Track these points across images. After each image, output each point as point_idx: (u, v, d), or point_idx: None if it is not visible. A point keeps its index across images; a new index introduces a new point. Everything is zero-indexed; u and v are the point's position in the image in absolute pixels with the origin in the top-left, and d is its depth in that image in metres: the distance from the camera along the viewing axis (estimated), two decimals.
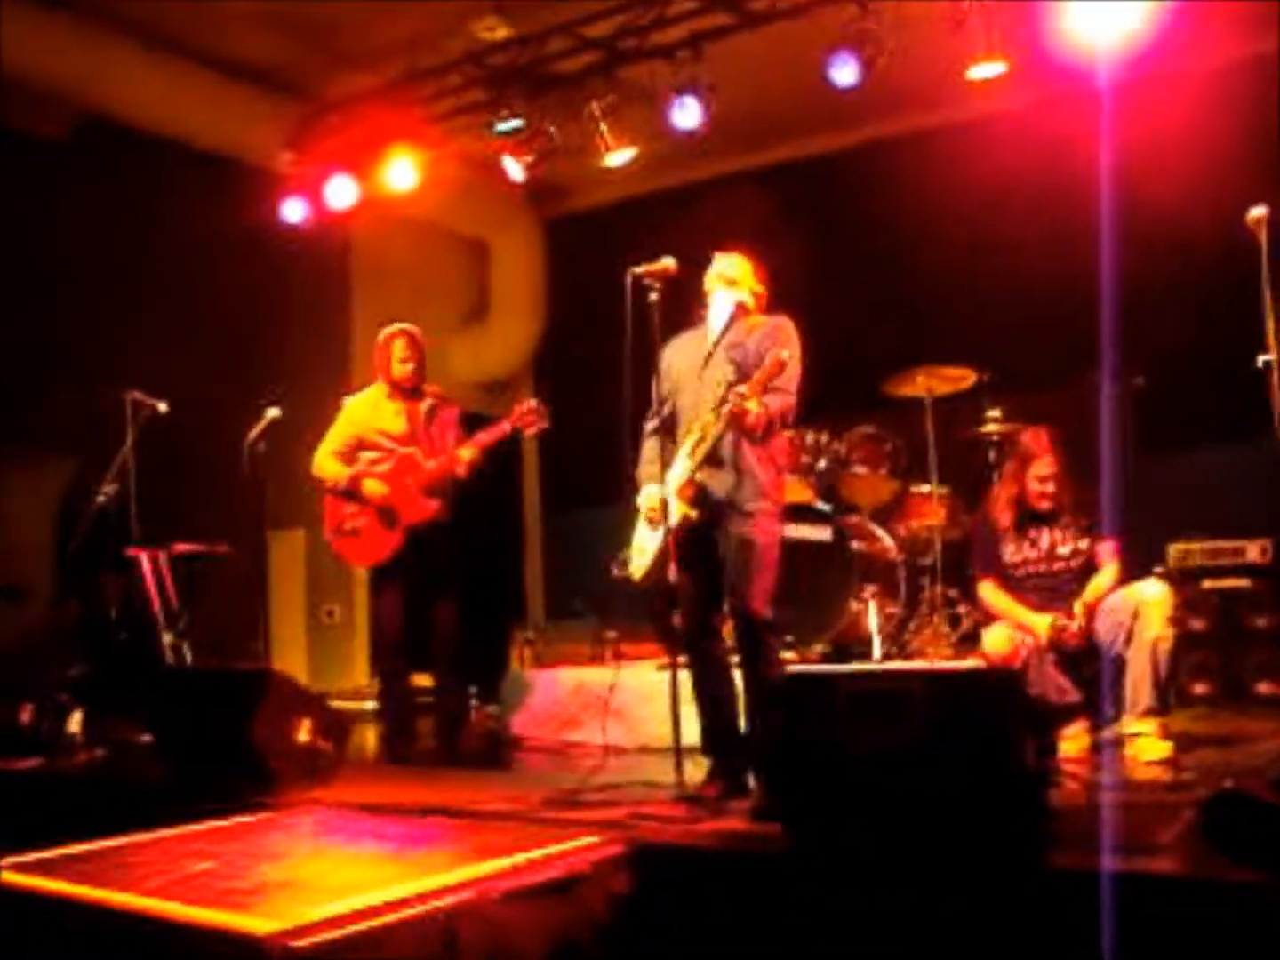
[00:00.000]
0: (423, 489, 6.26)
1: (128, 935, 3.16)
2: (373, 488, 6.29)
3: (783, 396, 4.77)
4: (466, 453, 6.24)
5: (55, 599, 8.78)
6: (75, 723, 6.91)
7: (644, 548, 4.98)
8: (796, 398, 4.86)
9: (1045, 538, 5.61)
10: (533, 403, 6.22)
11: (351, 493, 6.34)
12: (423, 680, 6.83)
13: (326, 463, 6.46)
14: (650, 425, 5.04)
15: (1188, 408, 7.98)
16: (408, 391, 6.46)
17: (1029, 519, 5.63)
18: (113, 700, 7.05)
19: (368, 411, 6.50)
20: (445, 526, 6.35)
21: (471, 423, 6.56)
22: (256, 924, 2.93)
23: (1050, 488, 5.59)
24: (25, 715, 6.83)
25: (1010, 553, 5.65)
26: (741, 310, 5.02)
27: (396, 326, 6.47)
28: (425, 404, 6.47)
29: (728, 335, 4.98)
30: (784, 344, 4.78)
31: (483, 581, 6.75)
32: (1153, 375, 8.05)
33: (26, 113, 8.38)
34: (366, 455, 6.42)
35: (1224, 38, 7.57)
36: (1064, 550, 5.57)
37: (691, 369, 4.98)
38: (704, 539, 4.80)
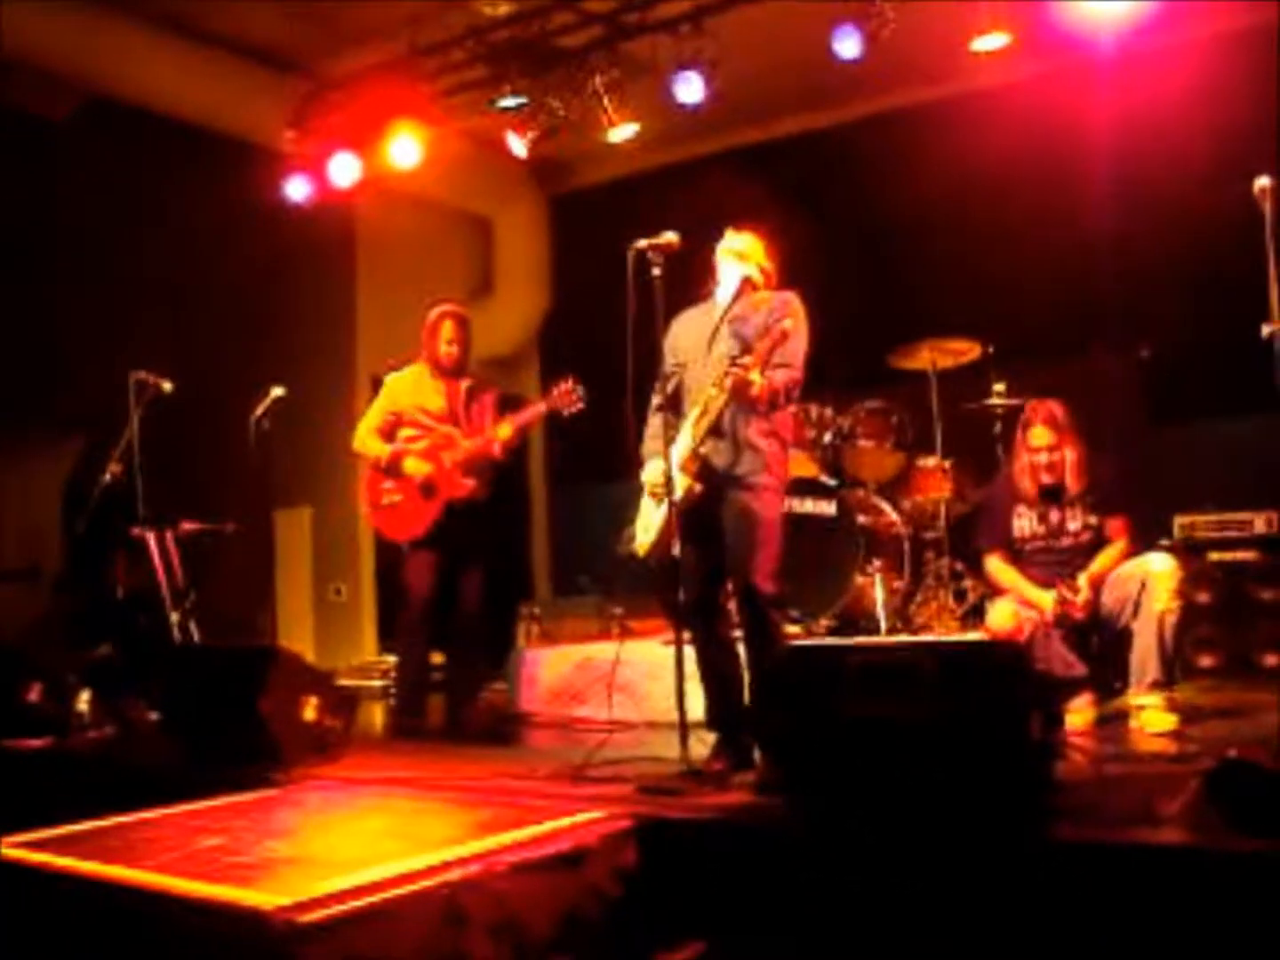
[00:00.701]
0: (460, 467, 6.31)
1: (136, 910, 3.18)
2: (413, 466, 6.35)
3: (787, 371, 4.76)
4: (504, 431, 6.29)
5: (63, 579, 8.82)
6: (84, 702, 6.93)
7: (648, 523, 4.98)
8: (802, 373, 4.85)
9: (1054, 513, 5.60)
10: (569, 383, 6.21)
11: (392, 469, 6.40)
12: (435, 657, 6.86)
13: (368, 440, 6.51)
14: (656, 400, 5.02)
15: (1194, 379, 7.96)
16: (449, 372, 6.50)
17: (1040, 493, 5.63)
18: (121, 679, 7.07)
19: (409, 389, 6.53)
20: (481, 506, 6.41)
21: None
22: (263, 899, 2.95)
23: (1043, 459, 5.58)
24: (34, 694, 6.85)
25: (1020, 527, 5.65)
26: (748, 285, 5.00)
27: (446, 306, 6.53)
28: (465, 384, 6.51)
29: (733, 309, 4.97)
30: (790, 317, 4.76)
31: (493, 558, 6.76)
32: (1159, 347, 8.04)
33: (29, 94, 8.38)
34: (405, 433, 6.47)
35: (1228, 6, 7.52)
36: (1073, 525, 5.57)
37: (698, 345, 4.98)
38: (707, 514, 4.80)
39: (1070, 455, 5.57)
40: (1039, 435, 5.60)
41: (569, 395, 6.18)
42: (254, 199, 8.55)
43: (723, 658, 4.93)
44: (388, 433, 6.50)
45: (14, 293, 8.59)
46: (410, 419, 6.47)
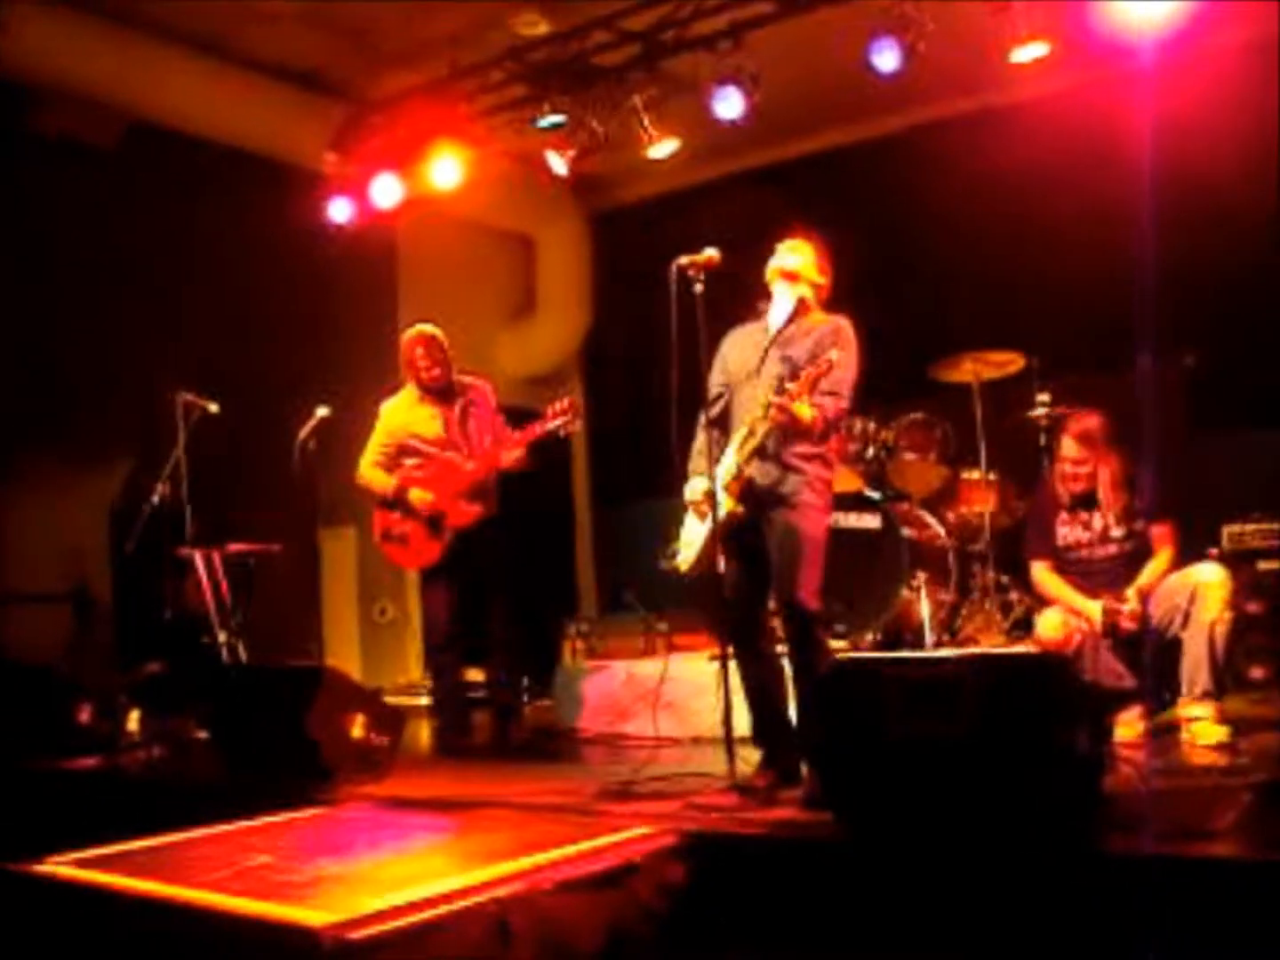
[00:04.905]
0: (463, 494, 6.30)
1: (186, 927, 3.20)
2: (418, 497, 6.34)
3: (835, 400, 4.74)
4: (510, 456, 6.26)
5: (111, 600, 8.89)
6: (133, 721, 6.99)
7: (691, 540, 4.99)
8: (850, 401, 4.84)
9: (1097, 519, 5.58)
10: (566, 402, 6.19)
11: (399, 501, 6.40)
12: (475, 675, 6.87)
13: (371, 473, 6.54)
14: (702, 417, 5.00)
15: (1243, 388, 7.89)
16: (439, 393, 6.50)
17: (1079, 500, 5.60)
18: (170, 699, 7.13)
19: (403, 417, 6.55)
20: (492, 524, 6.39)
21: (519, 418, 6.53)
22: (312, 916, 2.96)
23: (1068, 469, 5.59)
24: (84, 715, 6.91)
25: (1064, 534, 5.63)
26: (803, 307, 4.96)
27: (414, 331, 6.49)
28: (459, 404, 6.49)
29: (785, 333, 4.94)
30: (840, 346, 4.75)
31: (534, 575, 6.77)
32: (1206, 355, 7.97)
33: (77, 122, 8.49)
34: (408, 461, 6.48)
35: (1267, 11, 7.45)
36: (1117, 533, 5.54)
37: (748, 365, 4.95)
38: (751, 532, 4.80)
39: (1103, 473, 5.55)
40: (1068, 448, 5.61)
41: (565, 413, 6.13)
42: (297, 222, 8.61)
43: (766, 674, 4.92)
44: (390, 463, 6.51)
45: (60, 316, 8.68)
46: (410, 447, 6.48)
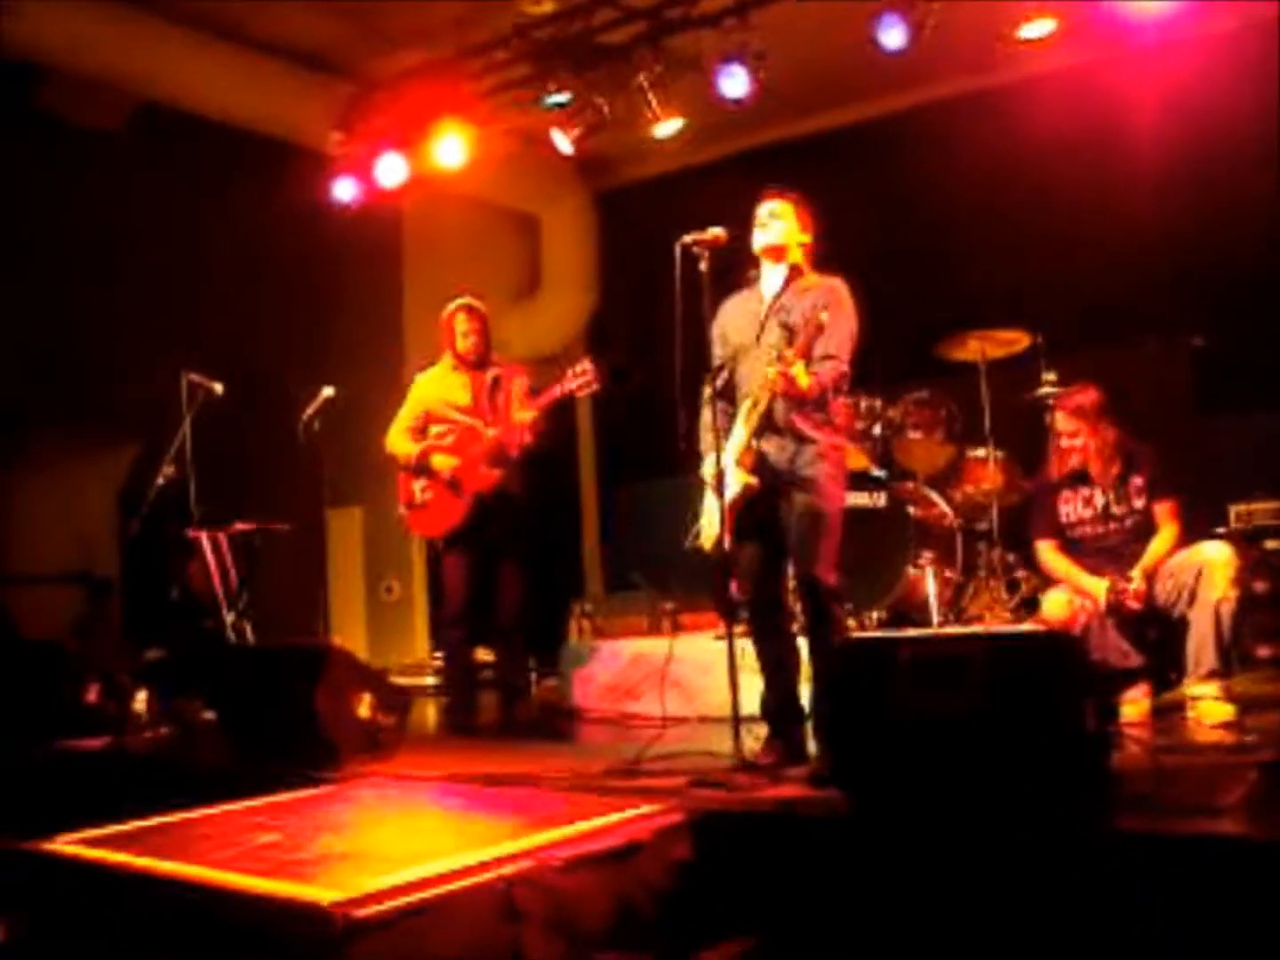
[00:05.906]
0: (484, 458, 6.33)
1: (194, 906, 3.20)
2: (441, 461, 6.40)
3: (834, 364, 4.72)
4: (525, 415, 6.29)
5: (119, 581, 8.91)
6: (140, 702, 7.01)
7: (713, 517, 4.93)
8: (849, 364, 4.81)
9: (1098, 496, 5.57)
10: (586, 364, 6.19)
11: (422, 467, 6.45)
12: (484, 655, 6.88)
13: (398, 440, 6.59)
14: (707, 391, 4.96)
15: (1251, 369, 7.86)
16: (473, 364, 6.56)
17: (1076, 476, 5.60)
18: (176, 679, 7.14)
19: (435, 386, 6.61)
20: (511, 495, 6.42)
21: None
22: (320, 893, 2.96)
23: (1062, 443, 5.61)
24: (92, 695, 6.92)
25: (1066, 512, 5.62)
26: (795, 273, 4.94)
27: (458, 301, 6.57)
28: (490, 374, 6.54)
29: (780, 300, 4.91)
30: (833, 307, 4.71)
31: (541, 554, 6.77)
32: (1213, 335, 7.95)
33: (82, 105, 8.47)
34: (435, 429, 6.53)
35: None
36: (1118, 510, 5.53)
37: (747, 336, 4.94)
38: (767, 507, 4.79)
39: (1092, 444, 5.54)
40: (1060, 421, 5.65)
41: (585, 375, 6.13)
42: (302, 201, 8.60)
43: (784, 651, 4.93)
44: (419, 431, 6.57)
45: (67, 297, 8.67)
46: (438, 415, 6.54)
